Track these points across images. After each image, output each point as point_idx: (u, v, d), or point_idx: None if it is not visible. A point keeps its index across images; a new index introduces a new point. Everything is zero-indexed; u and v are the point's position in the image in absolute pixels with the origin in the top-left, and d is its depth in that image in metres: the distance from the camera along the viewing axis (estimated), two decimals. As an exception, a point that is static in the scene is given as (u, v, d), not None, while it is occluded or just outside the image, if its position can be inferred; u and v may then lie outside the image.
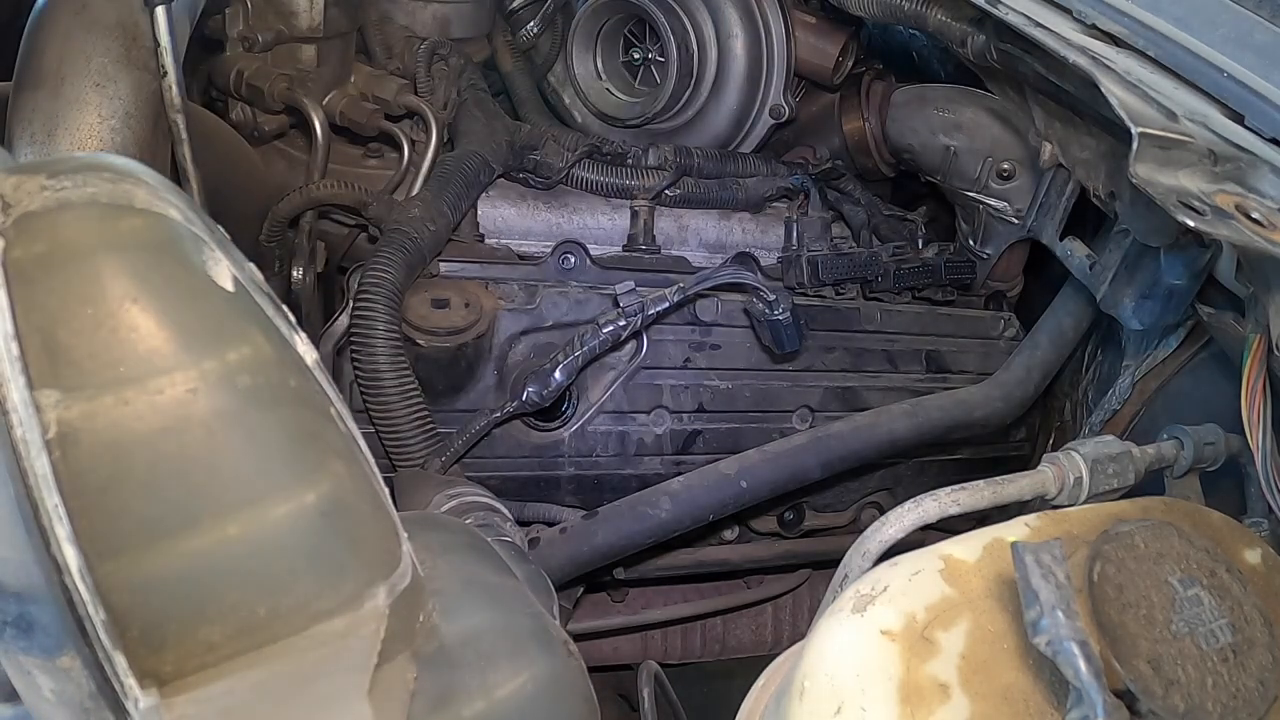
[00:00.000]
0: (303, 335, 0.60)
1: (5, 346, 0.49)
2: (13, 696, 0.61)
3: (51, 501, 0.49)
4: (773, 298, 1.37)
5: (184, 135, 1.20)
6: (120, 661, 0.51)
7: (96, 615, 0.50)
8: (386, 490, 0.63)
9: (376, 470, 0.63)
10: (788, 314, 1.38)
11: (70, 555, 0.50)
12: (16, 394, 0.49)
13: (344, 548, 0.58)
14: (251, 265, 0.59)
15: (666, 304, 1.35)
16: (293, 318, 0.60)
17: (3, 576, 0.53)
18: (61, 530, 0.49)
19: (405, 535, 0.63)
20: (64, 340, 0.51)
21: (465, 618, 0.70)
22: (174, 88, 1.17)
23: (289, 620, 0.55)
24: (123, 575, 0.51)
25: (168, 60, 1.15)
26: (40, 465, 0.49)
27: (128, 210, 0.54)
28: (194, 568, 0.53)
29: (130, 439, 0.52)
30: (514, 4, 1.87)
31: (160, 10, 1.14)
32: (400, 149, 1.59)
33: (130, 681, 0.51)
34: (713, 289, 1.41)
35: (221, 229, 0.59)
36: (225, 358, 0.54)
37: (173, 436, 0.52)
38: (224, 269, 0.56)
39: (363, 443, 0.62)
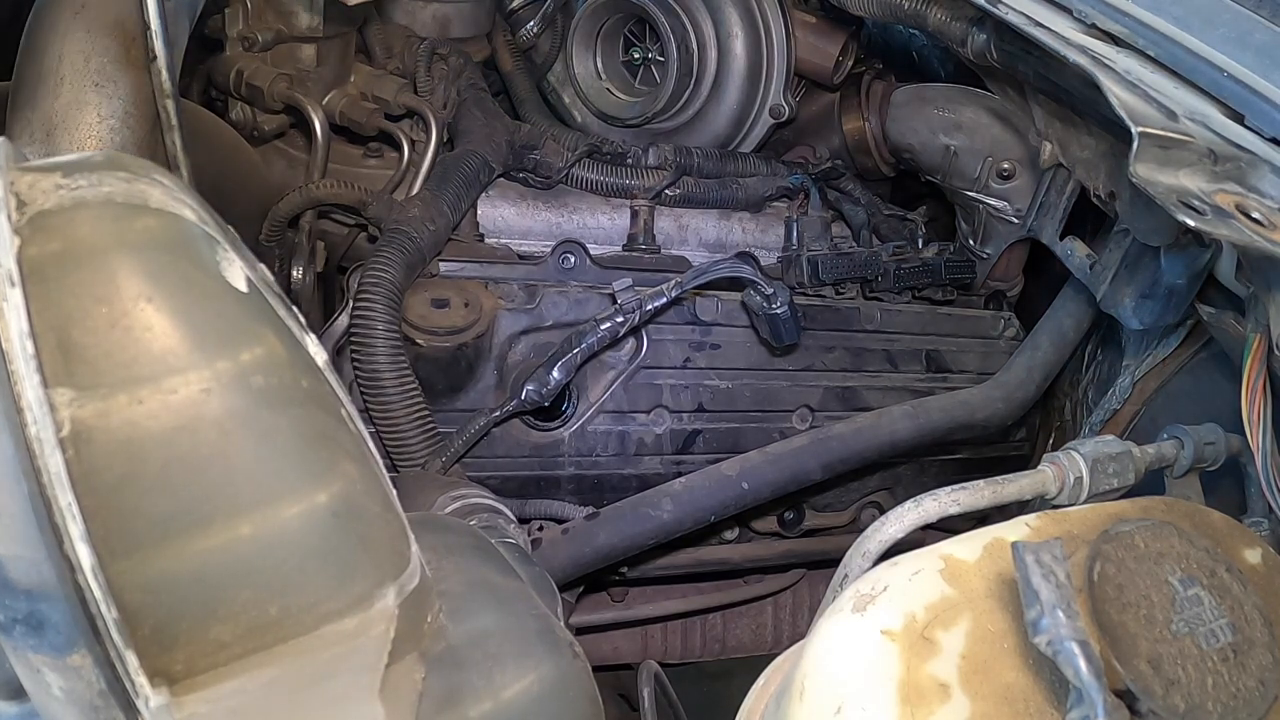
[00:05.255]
0: (313, 336, 0.60)
1: (20, 344, 0.49)
2: (20, 694, 0.61)
3: (65, 500, 0.50)
4: (770, 290, 1.37)
5: (174, 122, 1.19)
6: (131, 660, 0.51)
7: (108, 614, 0.50)
8: (395, 491, 0.63)
9: (384, 471, 0.63)
10: (785, 307, 1.38)
11: (83, 554, 0.50)
12: (31, 392, 0.49)
13: (355, 548, 0.58)
14: (263, 266, 0.60)
15: (664, 299, 1.36)
16: (303, 319, 0.60)
17: (13, 574, 0.53)
18: (74, 529, 0.50)
19: (413, 536, 0.63)
20: (78, 339, 0.51)
21: (472, 619, 0.70)
22: (164, 73, 1.16)
23: (300, 620, 0.55)
24: (135, 574, 0.51)
25: (157, 45, 1.15)
26: (54, 464, 0.49)
27: (143, 210, 0.54)
28: (206, 567, 0.53)
29: (144, 438, 0.52)
30: (514, 4, 1.87)
31: None
32: (400, 149, 1.59)
33: (141, 680, 0.51)
34: (710, 284, 1.41)
35: (233, 230, 0.59)
36: (239, 358, 0.54)
37: (186, 436, 0.53)
38: (237, 269, 0.56)
39: (371, 444, 0.62)
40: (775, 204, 1.76)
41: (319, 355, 0.60)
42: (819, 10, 1.83)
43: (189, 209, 0.56)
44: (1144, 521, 0.77)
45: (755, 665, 0.97)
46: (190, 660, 0.53)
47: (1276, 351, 0.96)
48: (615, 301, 1.38)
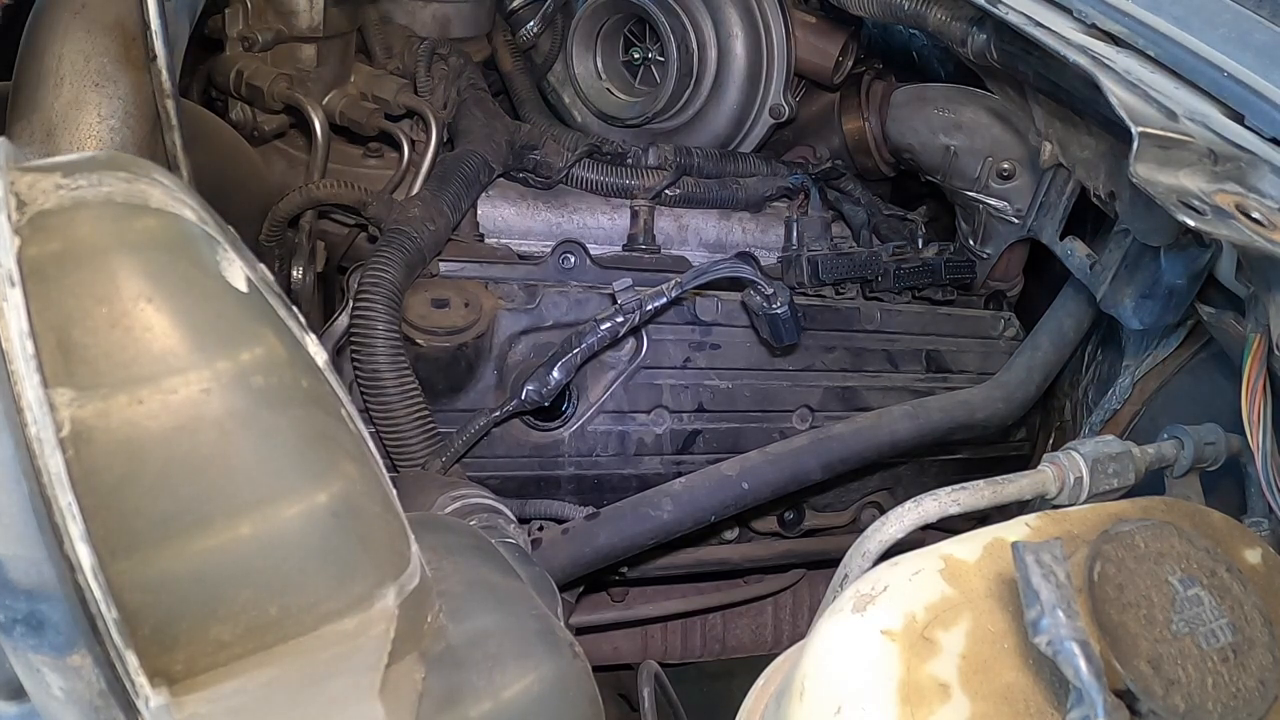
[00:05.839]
0: (313, 336, 0.60)
1: (20, 344, 0.49)
2: (20, 694, 0.61)
3: (65, 500, 0.50)
4: (770, 290, 1.37)
5: (174, 122, 1.19)
6: (131, 660, 0.51)
7: (108, 614, 0.50)
8: (395, 491, 0.63)
9: (385, 471, 0.63)
10: (785, 307, 1.38)
11: (83, 554, 0.50)
12: (31, 392, 0.49)
13: (354, 548, 0.58)
14: (263, 266, 0.60)
15: (664, 299, 1.36)
16: (303, 319, 0.60)
17: (13, 574, 0.53)
18: (74, 529, 0.50)
19: (413, 536, 0.63)
20: (78, 339, 0.51)
21: (472, 619, 0.70)
22: (164, 73, 1.16)
23: (300, 620, 0.55)
24: (135, 574, 0.51)
25: (158, 45, 1.15)
26: (54, 464, 0.49)
27: (143, 210, 0.54)
28: (206, 567, 0.53)
29: (144, 438, 0.52)
30: (514, 4, 1.87)
31: None
32: (400, 149, 1.59)
33: (141, 680, 0.51)
34: (710, 284, 1.41)
35: (233, 230, 0.59)
36: (239, 358, 0.54)
37: (186, 436, 0.53)
38: (237, 269, 0.56)
39: (371, 444, 0.62)
40: (775, 204, 1.76)
41: (319, 355, 0.60)
42: (819, 10, 1.83)
43: (189, 209, 0.56)
44: (1144, 521, 0.77)
45: (755, 665, 0.97)
46: (190, 660, 0.53)
47: (1276, 351, 0.96)
48: (615, 301, 1.38)
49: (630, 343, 1.49)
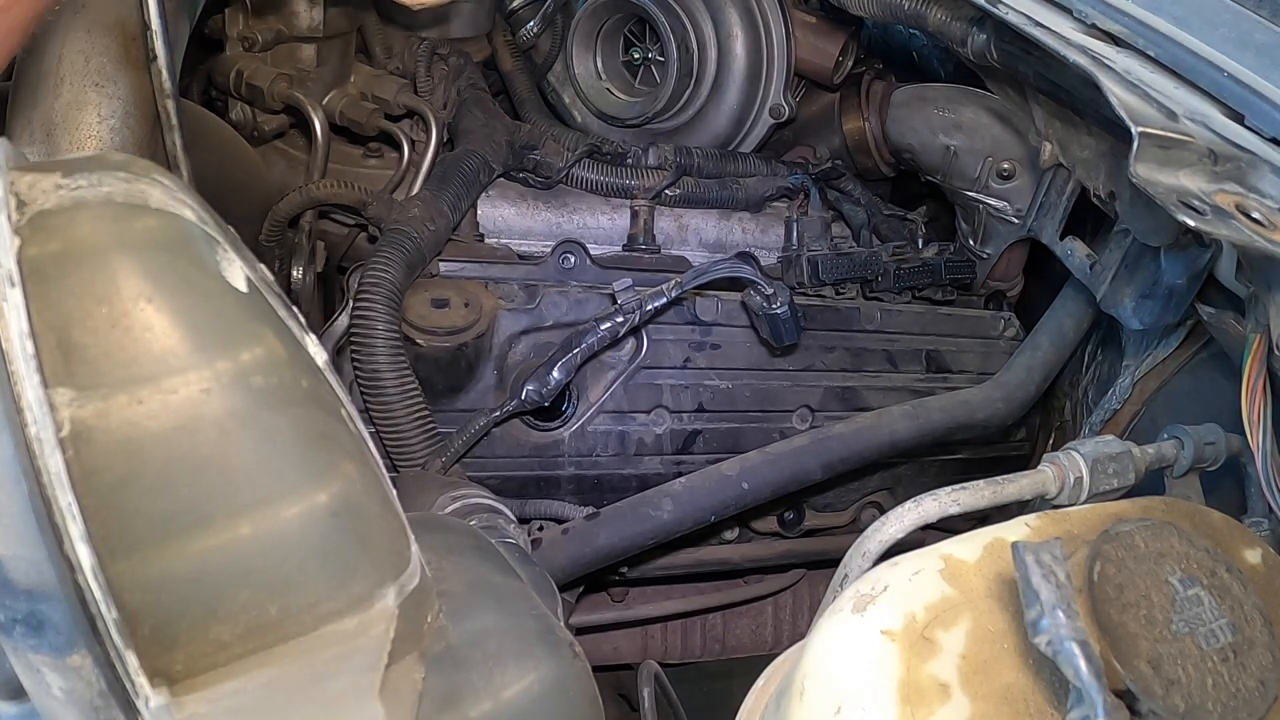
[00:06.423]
0: (313, 336, 0.60)
1: (20, 345, 0.49)
2: (20, 694, 0.61)
3: (65, 500, 0.50)
4: (770, 291, 1.37)
5: (174, 122, 1.19)
6: (131, 660, 0.51)
7: (108, 614, 0.50)
8: (395, 491, 0.63)
9: (384, 471, 0.63)
10: (785, 307, 1.38)
11: (83, 554, 0.50)
12: (31, 392, 0.49)
13: (354, 548, 0.58)
14: (263, 266, 0.60)
15: (664, 299, 1.36)
16: (303, 319, 0.60)
17: (13, 574, 0.53)
18: (74, 529, 0.50)
19: (413, 536, 0.63)
20: (78, 339, 0.51)
21: (472, 619, 0.70)
22: (164, 73, 1.16)
23: (300, 620, 0.55)
24: (135, 574, 0.51)
25: (158, 45, 1.15)
26: (54, 464, 0.49)
27: (143, 210, 0.54)
28: (206, 567, 0.53)
29: (143, 438, 0.52)
30: (514, 4, 1.87)
31: None
32: (400, 149, 1.59)
33: (141, 680, 0.51)
34: (710, 284, 1.41)
35: (233, 230, 0.59)
36: (239, 358, 0.54)
37: (186, 436, 0.53)
38: (237, 269, 0.56)
39: (371, 444, 0.62)
40: (775, 204, 1.76)
41: (319, 355, 0.60)
42: (819, 10, 1.83)
43: (189, 209, 0.56)
44: (1144, 521, 0.77)
45: (755, 665, 0.97)
46: (190, 660, 0.53)
47: (1276, 351, 0.96)
48: (615, 301, 1.38)
49: (630, 343, 1.49)
